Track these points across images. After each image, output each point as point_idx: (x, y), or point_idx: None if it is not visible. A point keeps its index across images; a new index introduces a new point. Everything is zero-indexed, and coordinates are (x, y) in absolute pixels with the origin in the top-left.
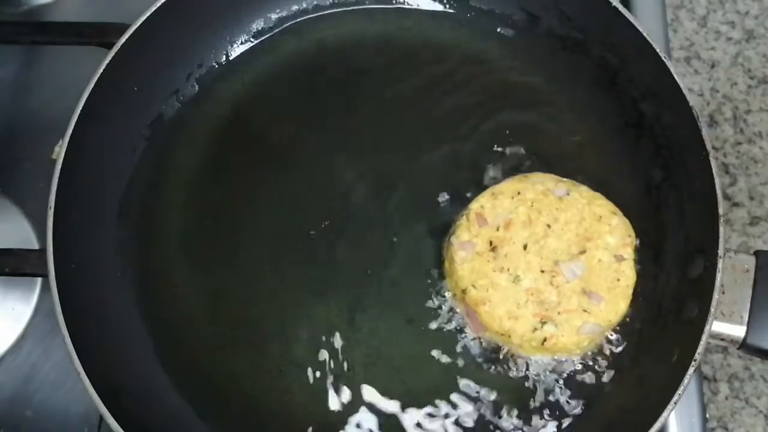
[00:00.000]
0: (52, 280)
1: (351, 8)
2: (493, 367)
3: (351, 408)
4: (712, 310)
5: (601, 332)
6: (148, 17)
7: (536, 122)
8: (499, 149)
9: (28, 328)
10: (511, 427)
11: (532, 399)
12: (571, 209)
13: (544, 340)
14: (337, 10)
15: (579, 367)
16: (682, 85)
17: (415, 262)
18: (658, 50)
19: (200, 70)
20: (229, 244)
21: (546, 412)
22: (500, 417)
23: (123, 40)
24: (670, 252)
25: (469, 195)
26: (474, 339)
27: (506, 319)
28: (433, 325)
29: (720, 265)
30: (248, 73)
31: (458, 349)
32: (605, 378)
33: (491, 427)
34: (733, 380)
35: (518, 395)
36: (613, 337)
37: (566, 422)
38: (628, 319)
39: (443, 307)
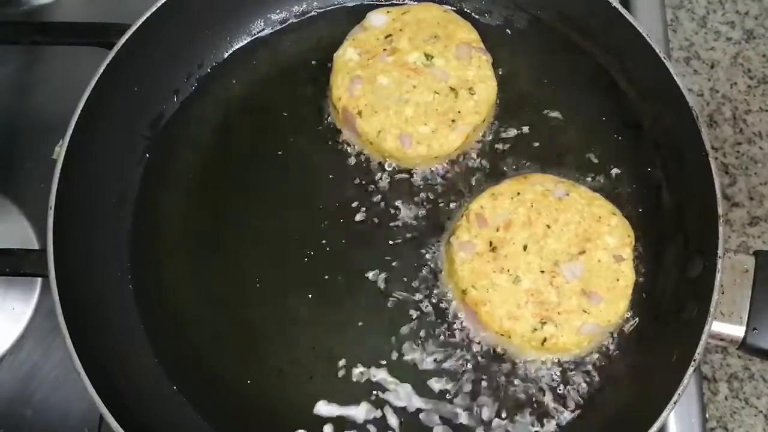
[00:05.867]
0: (52, 280)
1: (350, 8)
2: (493, 367)
3: (351, 408)
4: (711, 310)
5: (600, 332)
6: (148, 17)
7: (536, 122)
8: (499, 149)
9: (28, 328)
10: (512, 427)
11: (532, 399)
12: (570, 210)
13: (544, 340)
14: (337, 9)
15: (579, 367)
16: (681, 86)
17: (416, 263)
18: (657, 50)
19: (200, 70)
20: (228, 244)
21: (546, 412)
22: (501, 417)
23: (123, 40)
24: (669, 252)
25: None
26: (474, 340)
27: (506, 320)
28: (433, 327)
29: (719, 266)
30: (248, 73)
31: (458, 350)
32: (605, 378)
33: (492, 427)
34: (733, 380)
35: (518, 395)
36: (613, 337)
37: (566, 422)
38: (627, 319)
39: (443, 309)
